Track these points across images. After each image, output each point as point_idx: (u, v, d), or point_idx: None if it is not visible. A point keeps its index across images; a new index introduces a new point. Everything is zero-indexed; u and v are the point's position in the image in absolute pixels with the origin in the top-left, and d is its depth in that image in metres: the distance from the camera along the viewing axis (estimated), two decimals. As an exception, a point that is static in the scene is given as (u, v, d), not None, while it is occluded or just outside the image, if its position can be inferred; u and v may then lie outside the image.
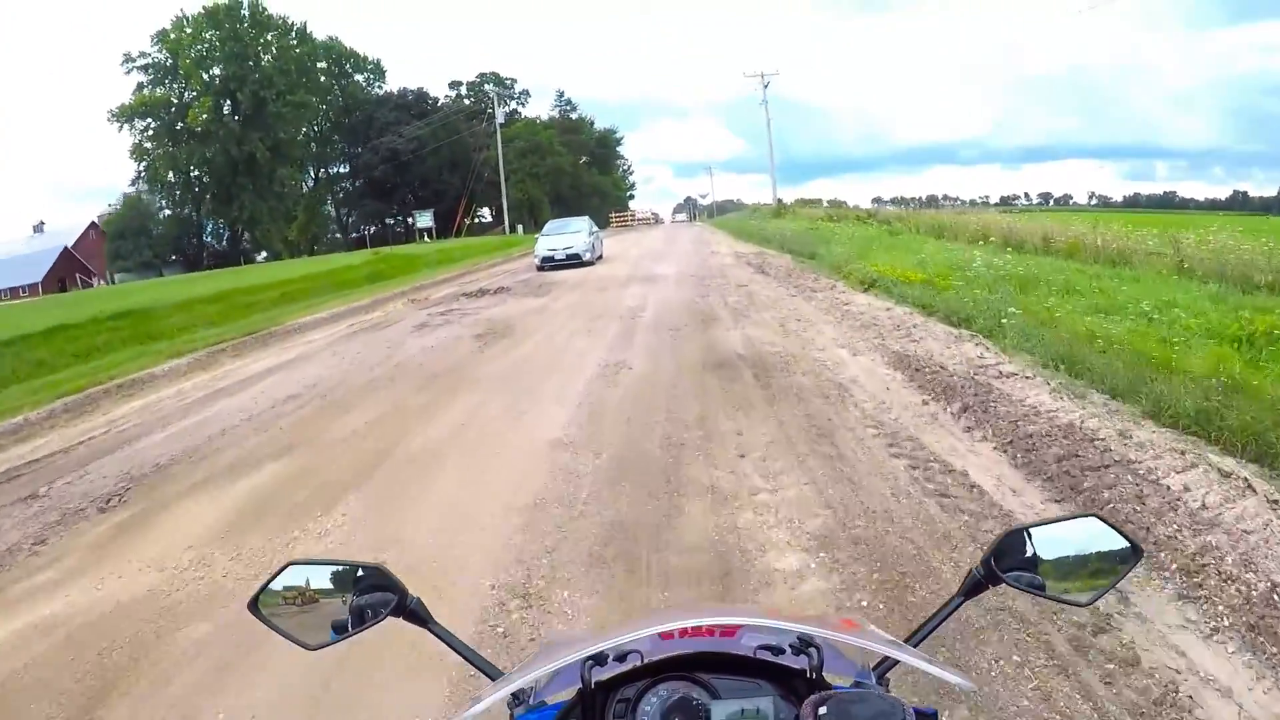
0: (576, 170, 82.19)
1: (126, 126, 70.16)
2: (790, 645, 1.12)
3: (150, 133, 70.86)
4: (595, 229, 30.84)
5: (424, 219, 59.25)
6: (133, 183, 73.23)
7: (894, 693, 1.05)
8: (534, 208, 73.59)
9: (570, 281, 22.84)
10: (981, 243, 21.03)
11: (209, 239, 77.10)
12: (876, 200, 49.10)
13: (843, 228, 32.31)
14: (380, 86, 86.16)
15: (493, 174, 73.52)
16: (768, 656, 1.13)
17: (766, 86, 59.81)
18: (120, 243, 71.65)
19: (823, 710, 0.79)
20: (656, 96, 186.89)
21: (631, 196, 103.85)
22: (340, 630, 1.30)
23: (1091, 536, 1.29)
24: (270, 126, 71.23)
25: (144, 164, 71.09)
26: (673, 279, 21.40)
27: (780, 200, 56.39)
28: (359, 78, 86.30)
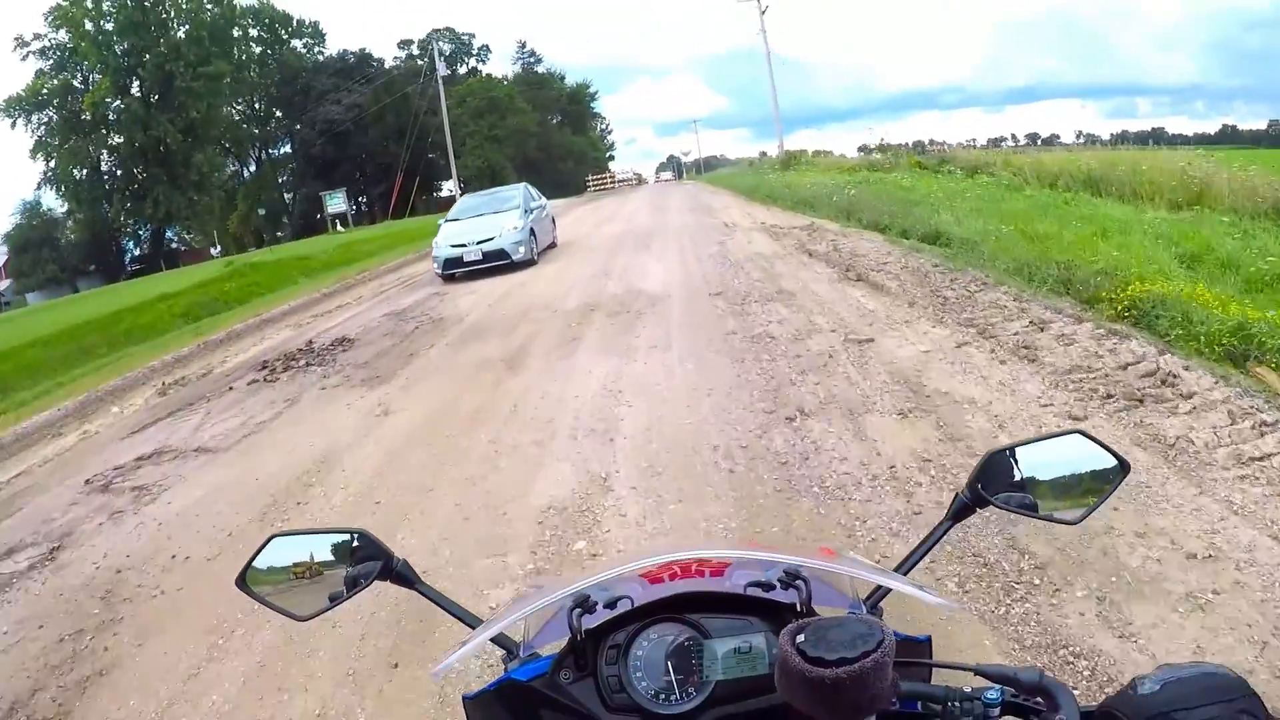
0: (545, 131, 70.02)
1: (21, 122, 57.72)
2: (779, 580, 1.05)
3: (51, 126, 58.44)
4: (538, 201, 18.76)
5: (334, 202, 45.68)
6: (38, 186, 60.89)
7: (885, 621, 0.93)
8: (495, 175, 61.72)
9: (478, 317, 11.55)
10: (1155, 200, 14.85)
11: (129, 243, 64.90)
12: (863, 149, 42.83)
13: (911, 179, 21.25)
14: (320, 52, 73.73)
15: (461, 139, 61.99)
16: (758, 593, 1.08)
17: (764, 13, 47.90)
18: (23, 257, 59.78)
19: (800, 637, 0.75)
20: (632, 56, 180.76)
21: (611, 158, 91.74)
22: (333, 598, 1.26)
23: (1076, 453, 1.22)
24: (182, 106, 58.69)
25: (50, 163, 58.62)
26: (678, 303, 10.38)
27: (787, 150, 44.65)
28: (297, 44, 74.00)
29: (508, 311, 11.41)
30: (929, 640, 1.08)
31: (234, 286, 20.28)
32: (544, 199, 19.68)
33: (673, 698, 1.00)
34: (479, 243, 15.61)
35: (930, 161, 27.50)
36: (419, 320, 11.94)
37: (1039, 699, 0.79)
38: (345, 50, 71.58)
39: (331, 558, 1.28)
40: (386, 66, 70.27)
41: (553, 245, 18.70)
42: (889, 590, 1.15)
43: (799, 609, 1.02)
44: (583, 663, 1.04)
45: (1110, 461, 1.20)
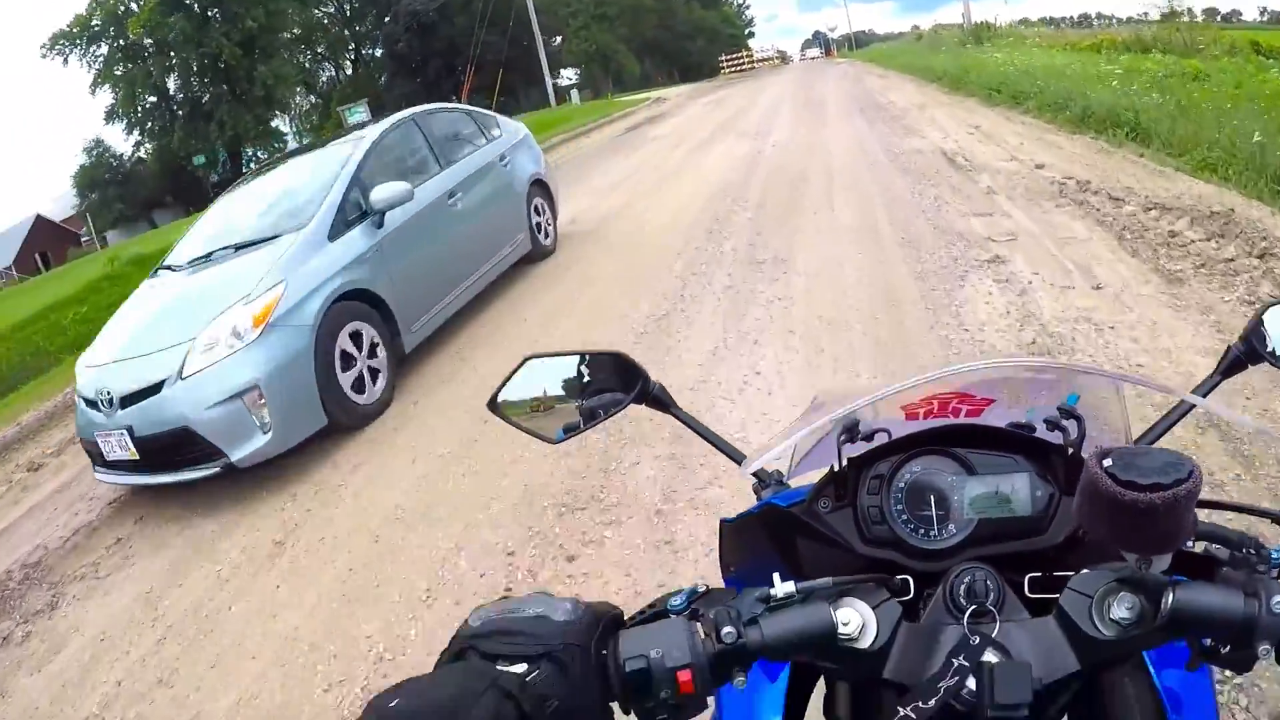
0: (668, 5, 57.21)
1: (76, 56, 49.80)
2: (1045, 420, 0.97)
3: (109, 57, 50.45)
4: (480, 153, 7.18)
5: (356, 114, 33.27)
6: (106, 121, 53.41)
7: None
8: (608, 62, 50.15)
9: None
10: None
11: (204, 170, 57.01)
12: (1023, 21, 33.73)
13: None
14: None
15: (557, 21, 50.38)
16: (1022, 433, 0.97)
17: None
18: (90, 198, 52.85)
19: (1108, 461, 0.68)
20: None
21: (750, 34, 77.86)
22: (586, 420, 1.22)
23: None
24: (236, 16, 49.43)
25: (115, 95, 50.86)
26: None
27: (981, 23, 31.21)
28: None
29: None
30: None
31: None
32: (513, 131, 8.04)
33: (933, 533, 0.93)
34: (123, 400, 4.45)
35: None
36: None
37: None
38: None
39: (588, 378, 1.24)
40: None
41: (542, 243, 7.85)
42: (1173, 425, 1.09)
43: (1068, 450, 0.92)
44: (842, 492, 0.98)
45: None
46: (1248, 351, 1.11)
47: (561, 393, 1.24)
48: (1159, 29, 17.71)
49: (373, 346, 5.07)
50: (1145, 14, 21.15)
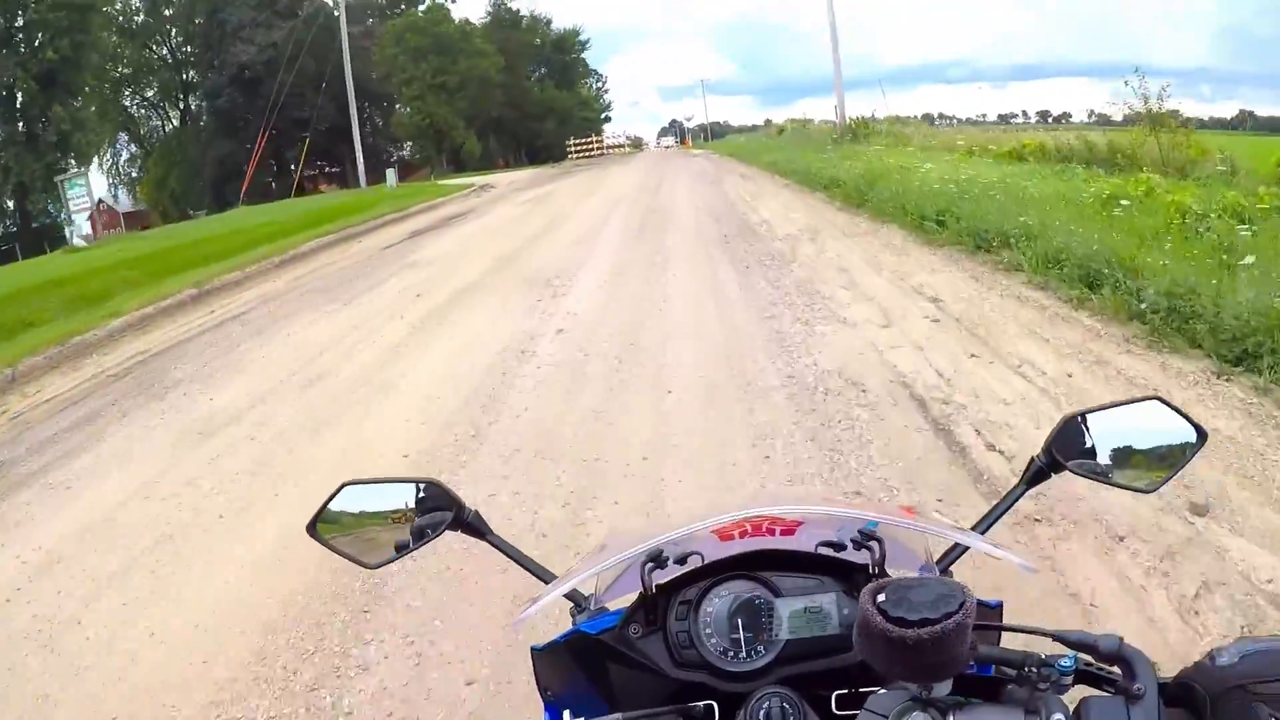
0: (517, 81, 52.21)
1: None
2: (851, 540, 1.02)
3: None
4: None
5: (76, 187, 23.94)
6: None
7: None
8: (442, 137, 44.38)
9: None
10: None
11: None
12: (896, 119, 27.76)
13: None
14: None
15: (392, 88, 44.53)
16: (829, 553, 1.04)
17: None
18: None
19: (881, 597, 0.73)
20: (637, 19, 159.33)
21: (607, 119, 73.82)
22: (401, 548, 1.21)
23: (1153, 420, 1.15)
24: (36, 44, 41.18)
25: None
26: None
27: (858, 119, 27.21)
28: None
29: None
30: (1000, 605, 1.01)
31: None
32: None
33: (741, 655, 0.94)
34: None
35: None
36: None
37: (1115, 668, 0.76)
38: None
39: (402, 506, 1.22)
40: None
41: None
42: (962, 554, 1.13)
43: (871, 569, 0.97)
44: (652, 618, 0.98)
45: (1187, 429, 1.13)
46: (1050, 462, 1.13)
47: (382, 515, 1.22)
48: (1112, 134, 13.49)
49: None
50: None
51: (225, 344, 8.16)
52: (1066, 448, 1.11)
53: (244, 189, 37.36)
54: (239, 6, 51.08)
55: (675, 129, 77.84)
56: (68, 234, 21.15)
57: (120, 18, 54.95)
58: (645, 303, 7.73)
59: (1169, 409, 1.11)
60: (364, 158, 46.31)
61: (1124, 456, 1.13)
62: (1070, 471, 1.11)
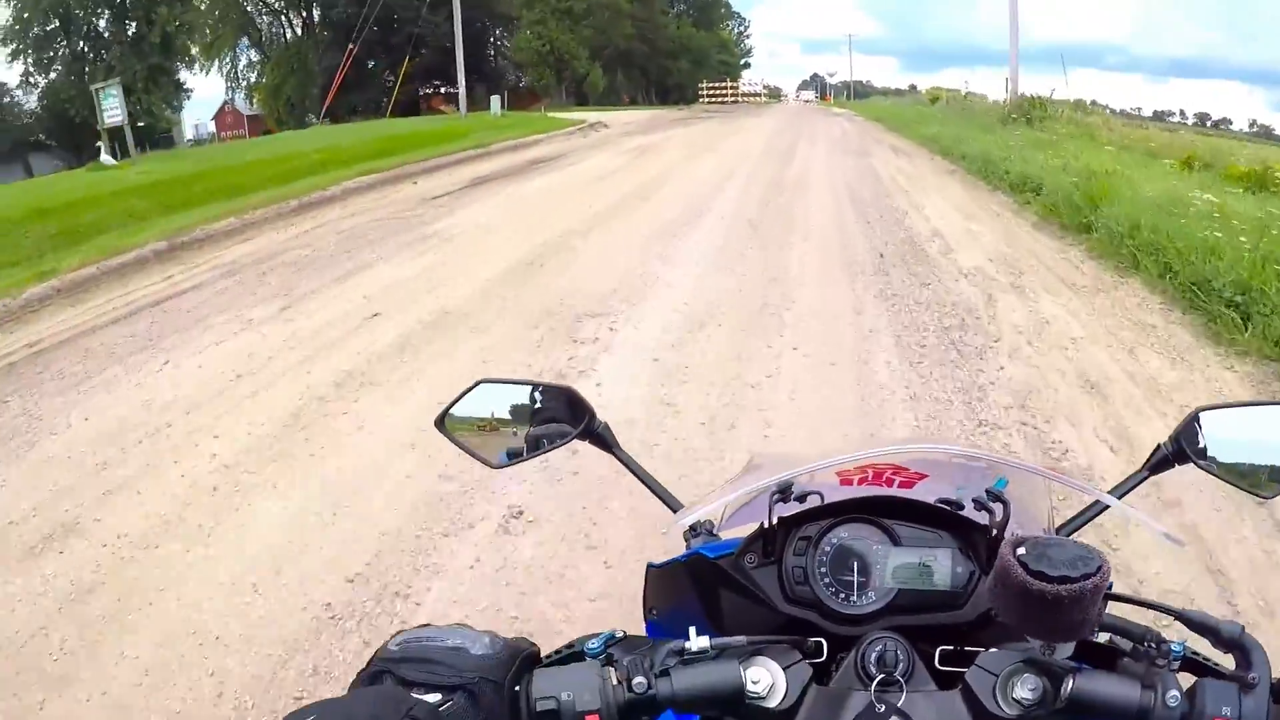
0: (651, 15, 48.00)
1: None
2: (974, 499, 0.96)
3: None
4: None
5: (110, 98, 18.55)
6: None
7: None
8: (564, 66, 40.79)
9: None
10: None
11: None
12: (1079, 105, 22.33)
13: None
14: None
15: (516, 7, 41.14)
16: (949, 509, 0.99)
17: None
18: None
19: (1021, 550, 0.71)
20: None
21: (747, 65, 68.95)
22: (529, 449, 1.22)
23: None
24: None
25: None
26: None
27: (1033, 97, 22.36)
28: None
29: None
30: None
31: None
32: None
33: (853, 598, 0.93)
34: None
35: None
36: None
37: (1228, 655, 0.74)
38: None
39: (536, 408, 1.23)
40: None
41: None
42: (1092, 518, 1.15)
43: (992, 530, 0.93)
44: (770, 549, 0.97)
45: None
46: (1176, 452, 1.12)
47: (509, 418, 1.24)
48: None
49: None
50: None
51: (71, 375, 5.04)
52: (1193, 440, 1.10)
53: (324, 106, 34.82)
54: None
55: (816, 83, 72.98)
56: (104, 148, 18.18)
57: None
58: (728, 416, 4.04)
59: None
60: (488, 82, 43.46)
61: (1247, 457, 1.11)
62: (1196, 465, 1.10)
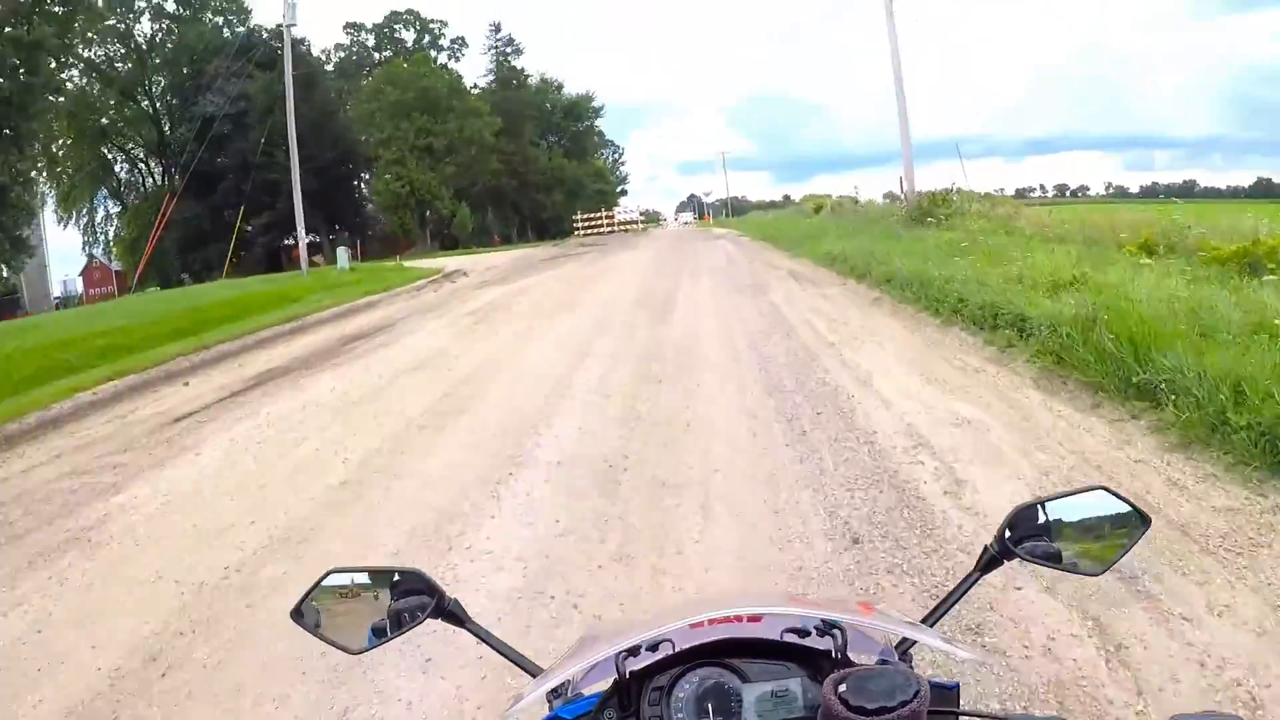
0: (520, 148, 45.88)
1: None
2: (815, 628, 1.06)
3: None
4: None
5: None
6: None
7: (916, 668, 1.02)
8: (425, 209, 37.86)
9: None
10: None
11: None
12: (888, 196, 27.04)
13: None
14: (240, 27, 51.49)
15: (373, 147, 38.39)
16: (794, 639, 1.07)
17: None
18: None
19: (843, 687, 0.79)
20: (657, 96, 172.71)
21: (624, 192, 67.87)
22: (380, 634, 1.22)
23: (1101, 508, 1.22)
24: None
25: None
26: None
27: (933, 193, 20.47)
28: (215, 20, 52.87)
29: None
30: (957, 687, 1.06)
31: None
32: None
33: None
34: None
35: None
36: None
37: None
38: (259, 26, 48.65)
39: (386, 593, 1.24)
40: (311, 51, 46.62)
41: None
42: (911, 646, 1.18)
43: (834, 655, 1.01)
44: (626, 703, 1.02)
45: (1132, 516, 1.20)
46: (1002, 549, 1.17)
47: (365, 602, 1.22)
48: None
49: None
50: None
51: None
52: (1017, 534, 1.16)
53: (139, 269, 31.00)
54: (216, 58, 45.95)
55: (694, 203, 72.92)
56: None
57: (102, 64, 51.10)
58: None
59: (1115, 497, 1.19)
60: (352, 230, 40.26)
61: (1073, 542, 1.17)
62: (1021, 558, 1.16)
